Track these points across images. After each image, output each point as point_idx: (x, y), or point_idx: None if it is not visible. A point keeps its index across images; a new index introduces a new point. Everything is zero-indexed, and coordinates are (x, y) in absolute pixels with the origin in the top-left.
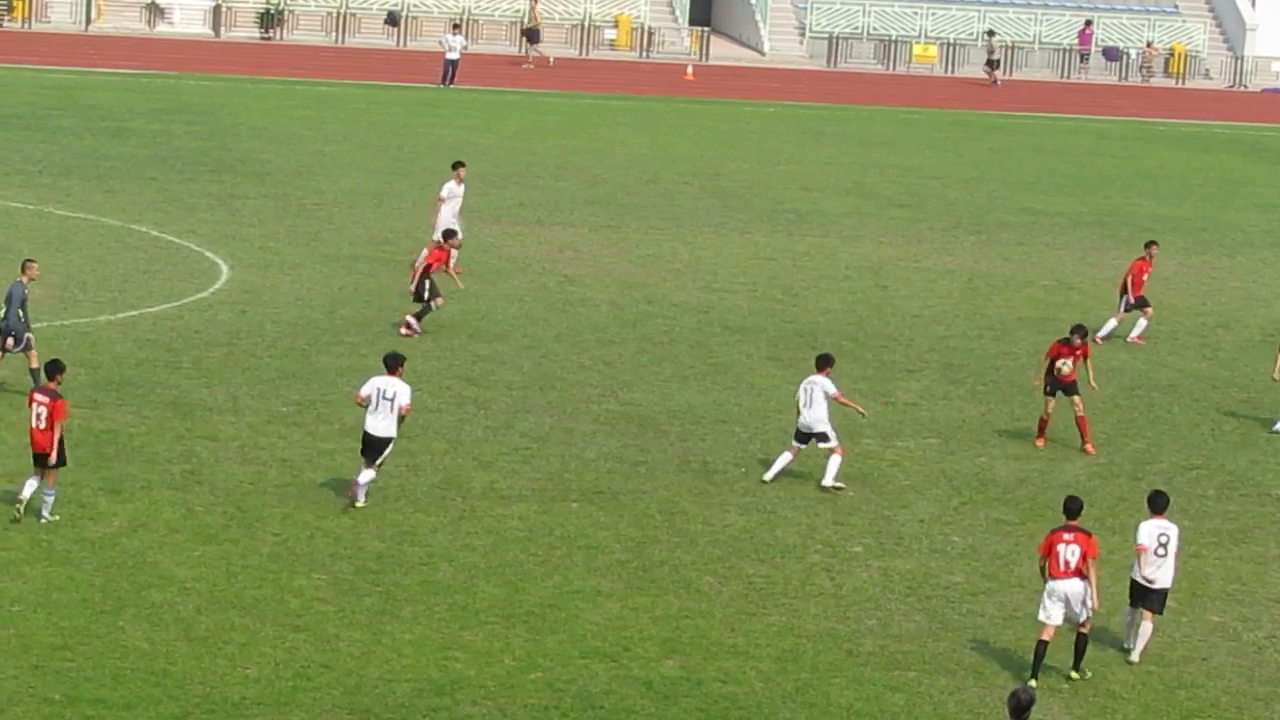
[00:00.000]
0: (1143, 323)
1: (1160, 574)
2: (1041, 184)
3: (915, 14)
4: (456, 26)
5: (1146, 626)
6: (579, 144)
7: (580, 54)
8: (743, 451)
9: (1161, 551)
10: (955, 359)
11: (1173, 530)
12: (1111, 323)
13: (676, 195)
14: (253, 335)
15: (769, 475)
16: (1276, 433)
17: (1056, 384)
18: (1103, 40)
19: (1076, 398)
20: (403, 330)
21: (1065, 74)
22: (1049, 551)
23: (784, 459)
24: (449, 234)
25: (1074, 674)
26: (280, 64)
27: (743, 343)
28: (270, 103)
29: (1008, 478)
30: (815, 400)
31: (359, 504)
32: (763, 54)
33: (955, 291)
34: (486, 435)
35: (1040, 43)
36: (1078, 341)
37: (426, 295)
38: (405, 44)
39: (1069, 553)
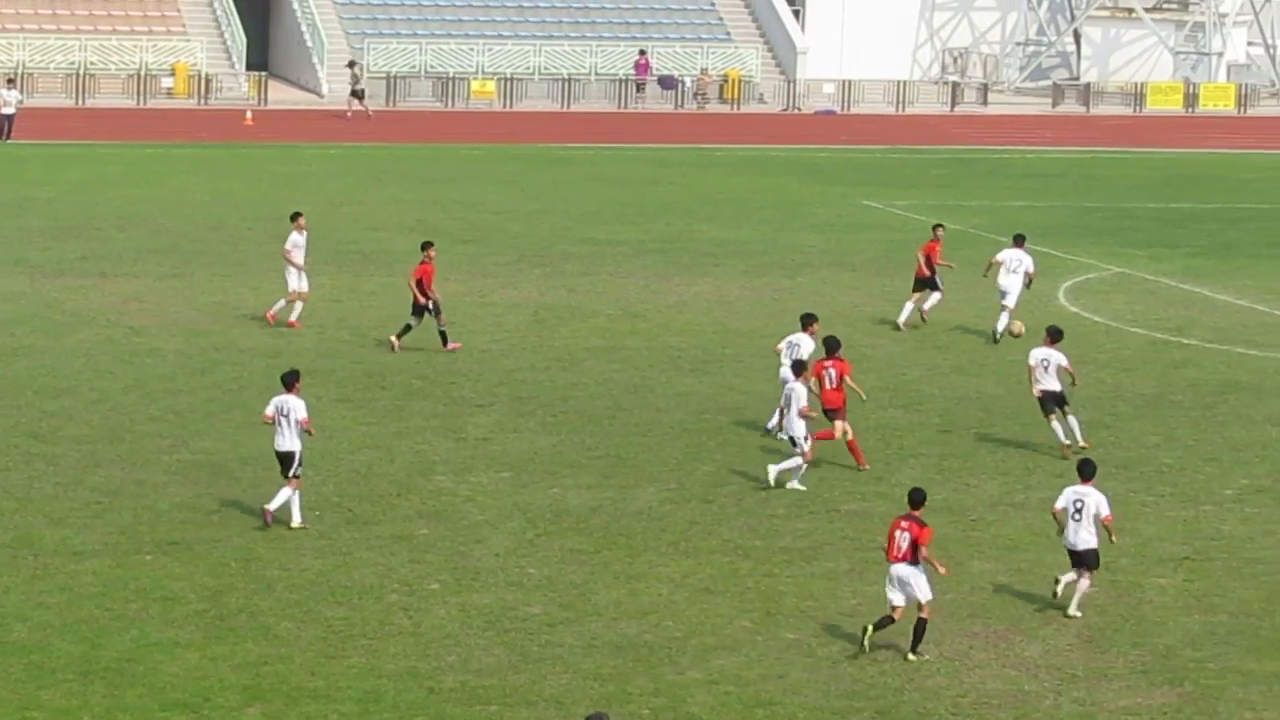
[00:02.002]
0: (936, 295)
1: (1078, 538)
2: (604, 214)
3: (472, 50)
4: (11, 81)
5: (1083, 582)
6: (141, 194)
7: (138, 104)
8: (316, 495)
9: (1077, 517)
10: (524, 391)
11: (1091, 496)
12: (909, 306)
13: (241, 241)
14: None
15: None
16: (769, 431)
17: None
18: (658, 69)
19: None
20: (450, 347)
21: (622, 104)
22: (890, 536)
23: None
24: (427, 244)
25: (911, 655)
26: None
27: (312, 385)
28: None
29: (581, 507)
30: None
31: (295, 524)
32: (321, 95)
33: (522, 324)
34: (57, 491)
35: (596, 74)
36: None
37: (435, 309)
38: None
39: (901, 539)
